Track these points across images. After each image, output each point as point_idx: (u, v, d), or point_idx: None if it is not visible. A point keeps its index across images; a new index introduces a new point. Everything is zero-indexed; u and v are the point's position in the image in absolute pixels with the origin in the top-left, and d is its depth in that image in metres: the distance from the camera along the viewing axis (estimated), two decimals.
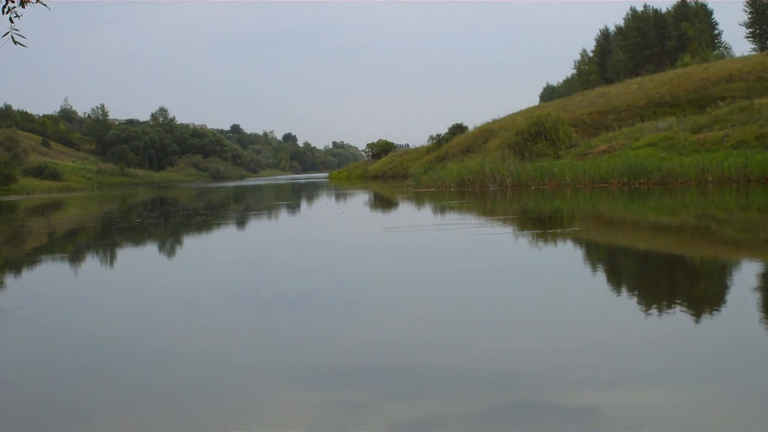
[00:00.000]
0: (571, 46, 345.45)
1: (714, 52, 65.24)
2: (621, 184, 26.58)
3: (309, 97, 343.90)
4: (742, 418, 4.15)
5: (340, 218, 21.29)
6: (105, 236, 17.76)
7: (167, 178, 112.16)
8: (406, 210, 23.69)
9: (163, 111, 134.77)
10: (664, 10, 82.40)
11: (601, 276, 9.40)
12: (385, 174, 64.42)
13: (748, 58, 48.24)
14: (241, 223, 21.21)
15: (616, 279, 9.05)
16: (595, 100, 45.65)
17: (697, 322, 6.32)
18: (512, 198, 24.48)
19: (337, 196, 35.90)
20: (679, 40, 75.83)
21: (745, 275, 8.67)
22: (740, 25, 71.67)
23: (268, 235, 17.49)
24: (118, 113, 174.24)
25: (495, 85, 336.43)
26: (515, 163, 31.23)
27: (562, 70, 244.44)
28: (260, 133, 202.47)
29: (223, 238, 17.20)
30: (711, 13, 79.52)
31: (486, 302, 7.56)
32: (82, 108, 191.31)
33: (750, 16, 70.83)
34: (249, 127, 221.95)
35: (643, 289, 8.27)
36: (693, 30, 74.62)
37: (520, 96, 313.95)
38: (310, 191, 44.70)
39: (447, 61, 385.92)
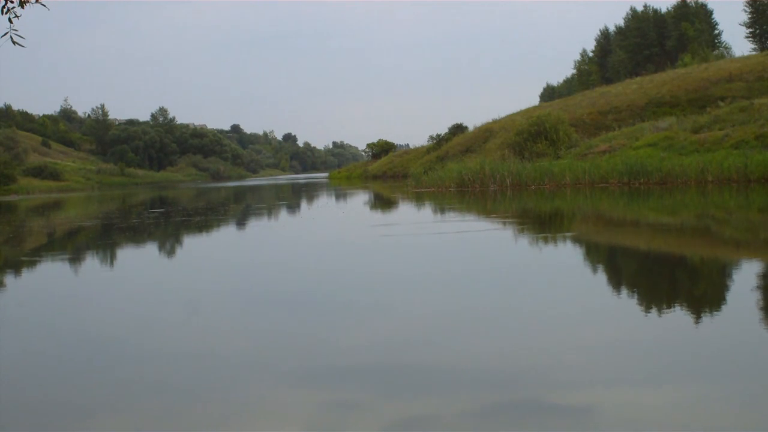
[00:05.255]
0: (571, 46, 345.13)
1: (714, 52, 65.19)
2: (621, 184, 26.58)
3: (309, 97, 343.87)
4: (740, 418, 4.15)
5: (339, 218, 21.28)
6: (105, 236, 17.76)
7: (167, 178, 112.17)
8: (405, 210, 23.68)
9: (163, 111, 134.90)
10: (664, 10, 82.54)
11: (599, 276, 9.40)
12: (385, 174, 64.41)
13: (748, 58, 48.23)
14: (240, 223, 21.21)
15: (615, 279, 9.05)
16: (595, 100, 45.66)
17: (696, 322, 6.32)
18: (512, 198, 24.48)
19: (337, 197, 35.90)
20: (679, 40, 75.85)
21: (745, 275, 8.67)
22: (740, 25, 71.80)
23: (268, 235, 17.48)
24: (118, 113, 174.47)
25: (495, 85, 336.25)
26: (515, 163, 31.23)
27: (562, 70, 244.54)
28: (260, 133, 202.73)
29: (222, 238, 17.20)
30: (711, 13, 79.57)
31: (483, 302, 7.56)
32: (82, 108, 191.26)
33: (750, 16, 70.86)
34: (249, 127, 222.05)
35: (642, 289, 8.26)
36: (693, 30, 74.63)
37: (520, 96, 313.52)
38: (310, 191, 44.70)
39: (447, 61, 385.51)
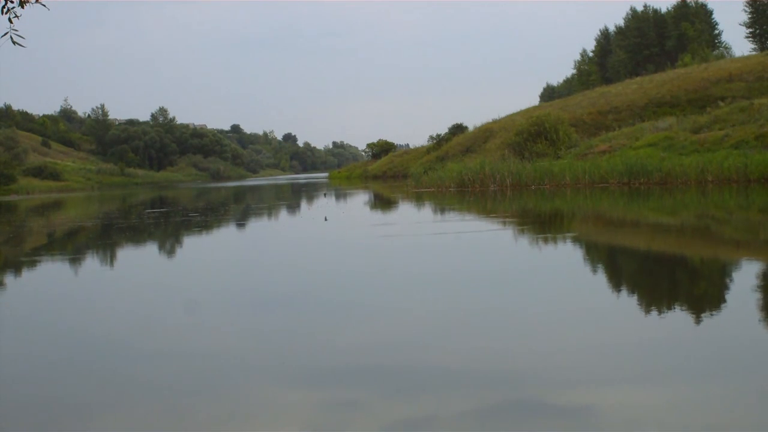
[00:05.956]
0: (571, 46, 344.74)
1: (714, 52, 65.15)
2: (621, 184, 26.58)
3: (309, 97, 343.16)
4: (740, 418, 4.15)
5: (340, 218, 21.28)
6: (105, 236, 17.75)
7: (167, 178, 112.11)
8: (405, 210, 23.67)
9: (163, 111, 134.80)
10: (664, 10, 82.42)
11: (600, 276, 9.40)
12: (386, 174, 64.42)
13: (748, 58, 48.21)
14: (240, 223, 21.21)
15: (615, 279, 9.05)
16: (595, 100, 45.66)
17: (696, 322, 6.32)
18: (512, 198, 24.47)
19: (338, 197, 35.89)
20: (679, 40, 75.81)
21: (745, 275, 8.66)
22: (740, 25, 71.55)
23: (268, 235, 17.48)
24: (118, 113, 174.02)
25: (495, 85, 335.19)
26: (515, 163, 31.23)
27: (562, 70, 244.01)
28: (260, 133, 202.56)
29: (223, 238, 17.19)
30: (711, 13, 79.53)
31: (483, 302, 7.56)
32: (82, 108, 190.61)
33: (750, 16, 70.78)
34: (249, 127, 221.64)
35: (642, 290, 8.26)
36: (693, 30, 74.59)
37: (520, 96, 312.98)
38: (310, 191, 44.69)
39: (447, 61, 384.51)
